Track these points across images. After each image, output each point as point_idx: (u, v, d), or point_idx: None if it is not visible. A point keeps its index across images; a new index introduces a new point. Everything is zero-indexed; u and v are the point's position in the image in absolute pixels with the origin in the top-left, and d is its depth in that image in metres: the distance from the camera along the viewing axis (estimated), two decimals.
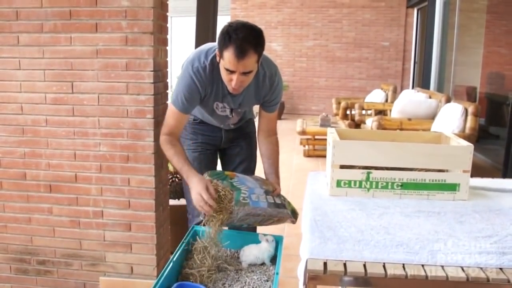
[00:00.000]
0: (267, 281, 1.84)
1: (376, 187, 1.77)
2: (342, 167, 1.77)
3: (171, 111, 2.00)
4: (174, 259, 1.80)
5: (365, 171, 1.76)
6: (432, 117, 5.16)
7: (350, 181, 1.77)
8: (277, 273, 1.73)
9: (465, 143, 1.79)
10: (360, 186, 1.77)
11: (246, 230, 2.16)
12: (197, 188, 1.82)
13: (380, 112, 6.66)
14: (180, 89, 1.96)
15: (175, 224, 2.80)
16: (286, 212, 2.00)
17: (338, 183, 1.77)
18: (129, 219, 2.45)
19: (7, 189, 2.53)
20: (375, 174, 1.76)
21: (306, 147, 6.23)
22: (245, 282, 1.84)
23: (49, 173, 2.47)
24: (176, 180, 3.14)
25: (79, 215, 2.49)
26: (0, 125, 2.47)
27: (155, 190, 2.40)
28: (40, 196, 2.51)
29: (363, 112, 6.58)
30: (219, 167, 2.41)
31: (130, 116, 2.33)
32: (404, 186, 1.76)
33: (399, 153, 1.75)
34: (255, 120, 2.37)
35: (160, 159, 2.42)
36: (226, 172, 2.06)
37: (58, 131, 2.42)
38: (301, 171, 5.22)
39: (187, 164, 1.95)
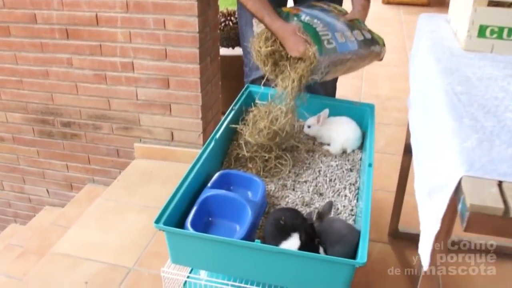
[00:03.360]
0: (351, 170, 1.30)
1: None
2: (490, 4, 1.08)
3: None
4: (218, 136, 1.26)
5: None
6: None
7: (501, 29, 1.08)
8: (370, 165, 1.16)
9: None
10: None
11: (323, 94, 1.59)
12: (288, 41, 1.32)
13: None
14: None
15: (228, 79, 2.26)
16: (378, 49, 1.43)
17: (482, 31, 1.09)
18: (167, 73, 1.96)
19: (16, 35, 2.04)
20: None
21: None
22: (319, 172, 1.30)
23: (63, 14, 1.96)
24: (231, 24, 2.53)
25: (105, 67, 2.01)
26: None
27: (199, 35, 1.86)
28: (56, 44, 2.02)
29: None
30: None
31: None
32: None
33: None
34: None
35: None
36: (284, 9, 1.44)
37: None
38: (380, 19, 4.67)
39: (266, 7, 1.37)
